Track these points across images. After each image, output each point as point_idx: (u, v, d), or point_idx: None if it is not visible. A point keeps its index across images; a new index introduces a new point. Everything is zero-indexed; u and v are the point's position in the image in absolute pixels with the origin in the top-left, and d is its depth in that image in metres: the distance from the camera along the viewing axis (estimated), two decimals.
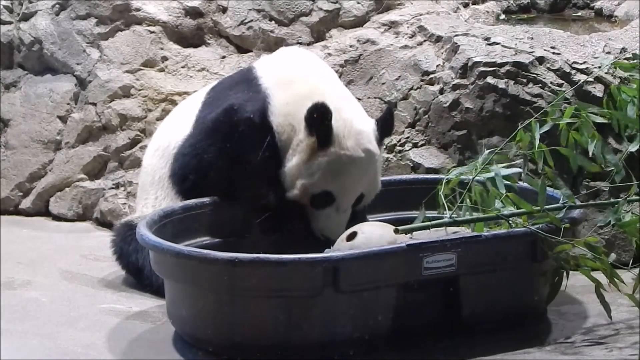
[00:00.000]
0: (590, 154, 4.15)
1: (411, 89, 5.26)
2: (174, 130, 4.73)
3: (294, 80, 4.50)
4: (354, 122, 4.42)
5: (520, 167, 4.17)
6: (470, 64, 5.12)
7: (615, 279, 4.02)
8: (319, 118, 4.29)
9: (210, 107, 4.61)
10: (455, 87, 5.13)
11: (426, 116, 5.21)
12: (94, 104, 5.73)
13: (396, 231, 4.04)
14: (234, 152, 4.44)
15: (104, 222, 5.56)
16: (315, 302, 3.80)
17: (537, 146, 4.13)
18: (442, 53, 5.28)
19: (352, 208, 4.48)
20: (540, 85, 5.01)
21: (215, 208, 4.49)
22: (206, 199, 4.50)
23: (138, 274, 4.59)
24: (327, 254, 3.94)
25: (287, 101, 4.44)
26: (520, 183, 4.23)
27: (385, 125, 4.50)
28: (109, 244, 4.73)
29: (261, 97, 4.46)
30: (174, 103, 5.61)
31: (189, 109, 4.74)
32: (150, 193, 4.73)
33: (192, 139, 4.57)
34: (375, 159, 4.45)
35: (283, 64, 4.64)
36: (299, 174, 4.36)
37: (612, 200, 4.30)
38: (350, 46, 5.50)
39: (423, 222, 4.05)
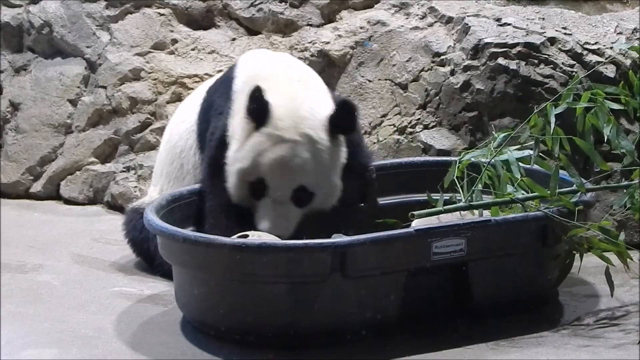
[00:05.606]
0: (606, 138, 4.12)
1: (422, 70, 5.23)
2: (178, 127, 4.69)
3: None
4: (301, 109, 4.15)
5: (532, 150, 4.14)
6: (481, 45, 5.09)
7: (628, 260, 4.01)
8: (251, 98, 4.09)
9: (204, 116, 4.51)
10: (466, 69, 5.11)
11: (437, 98, 5.19)
12: (104, 87, 5.73)
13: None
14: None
15: (114, 206, 5.56)
16: (323, 287, 3.78)
17: (552, 131, 4.09)
18: (453, 34, 5.25)
19: (302, 206, 4.19)
20: (551, 66, 4.99)
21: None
22: None
23: (150, 261, 4.59)
24: (335, 239, 3.91)
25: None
26: (532, 166, 4.20)
27: (337, 121, 4.16)
28: (121, 229, 4.74)
29: (227, 104, 4.33)
30: (184, 86, 5.60)
31: (196, 101, 4.68)
32: (158, 184, 4.75)
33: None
34: (318, 148, 4.13)
35: (254, 66, 4.45)
36: (234, 159, 4.17)
37: (625, 182, 4.27)
38: (361, 28, 5.48)
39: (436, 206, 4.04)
